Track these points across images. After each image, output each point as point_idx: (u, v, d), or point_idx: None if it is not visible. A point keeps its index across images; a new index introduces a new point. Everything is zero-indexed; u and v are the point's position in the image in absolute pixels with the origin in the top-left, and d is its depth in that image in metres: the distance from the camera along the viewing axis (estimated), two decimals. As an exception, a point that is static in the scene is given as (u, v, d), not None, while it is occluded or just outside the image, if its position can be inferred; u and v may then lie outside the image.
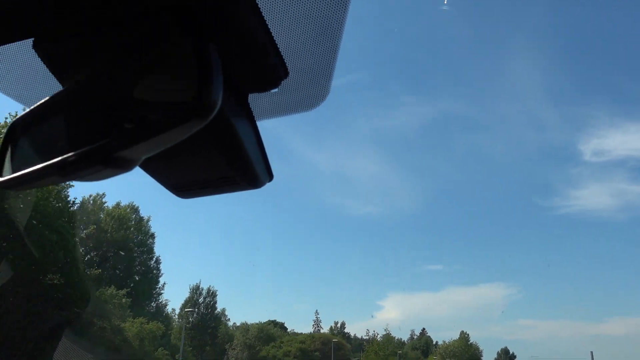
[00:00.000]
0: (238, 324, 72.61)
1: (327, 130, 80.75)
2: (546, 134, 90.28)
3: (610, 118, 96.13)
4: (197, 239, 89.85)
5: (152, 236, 54.93)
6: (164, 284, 62.62)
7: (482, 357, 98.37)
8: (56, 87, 0.90)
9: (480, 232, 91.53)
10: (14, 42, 0.87)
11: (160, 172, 1.02)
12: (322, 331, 70.58)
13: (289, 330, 74.93)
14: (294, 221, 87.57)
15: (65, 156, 0.73)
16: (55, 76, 0.91)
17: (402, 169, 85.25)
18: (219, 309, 65.42)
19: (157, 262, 54.43)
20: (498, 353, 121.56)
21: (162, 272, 55.86)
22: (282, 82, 0.95)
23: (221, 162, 0.95)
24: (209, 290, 64.87)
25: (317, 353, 60.59)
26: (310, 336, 65.95)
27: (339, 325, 78.18)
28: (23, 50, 0.88)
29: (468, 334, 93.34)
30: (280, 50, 0.89)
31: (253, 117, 0.98)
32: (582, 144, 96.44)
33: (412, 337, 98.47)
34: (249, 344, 63.01)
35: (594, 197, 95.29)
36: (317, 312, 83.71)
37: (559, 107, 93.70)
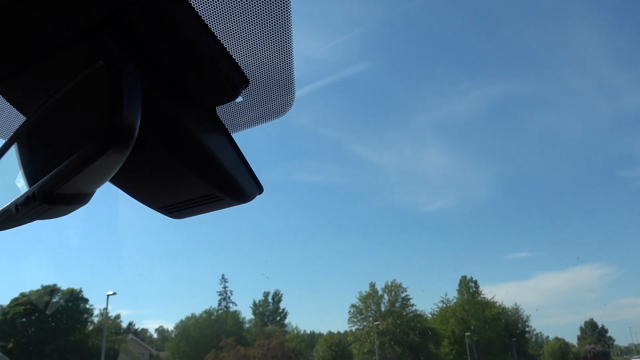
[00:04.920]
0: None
1: (387, 129, 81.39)
2: (621, 100, 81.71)
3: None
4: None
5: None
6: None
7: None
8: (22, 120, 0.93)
9: (562, 213, 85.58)
10: None
11: (144, 197, 1.01)
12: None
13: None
14: (367, 224, 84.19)
15: (15, 198, 0.73)
16: (18, 111, 0.94)
17: (470, 157, 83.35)
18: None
19: None
20: (581, 327, 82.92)
21: None
22: (246, 90, 0.95)
23: (199, 180, 0.92)
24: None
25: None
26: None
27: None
28: None
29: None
30: (235, 59, 0.89)
31: (227, 130, 0.97)
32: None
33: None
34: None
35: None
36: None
37: (631, 69, 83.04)
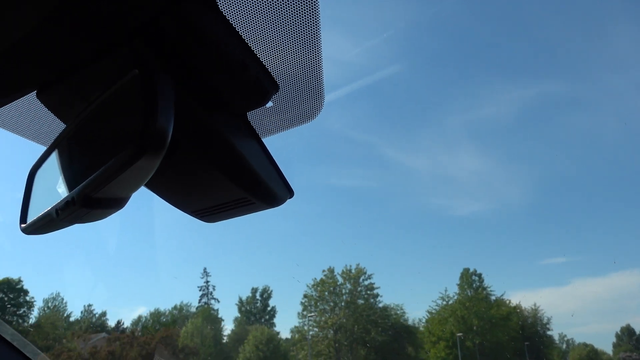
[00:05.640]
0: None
1: (420, 132, 78.70)
2: None
3: None
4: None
5: None
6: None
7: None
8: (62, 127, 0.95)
9: (602, 217, 78.64)
10: (21, 97, 0.94)
11: (178, 201, 1.04)
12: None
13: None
14: (397, 228, 79.64)
15: (56, 203, 0.76)
16: (59, 119, 0.96)
17: (504, 160, 78.78)
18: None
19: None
20: (617, 334, 72.02)
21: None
22: (276, 95, 0.97)
23: (231, 184, 0.94)
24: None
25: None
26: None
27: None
28: (34, 100, 0.94)
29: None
30: (265, 65, 0.91)
31: (257, 135, 0.99)
32: None
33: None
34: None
35: None
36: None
37: None
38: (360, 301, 45.95)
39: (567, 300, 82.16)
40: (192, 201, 1.03)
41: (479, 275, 51.53)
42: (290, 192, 1.02)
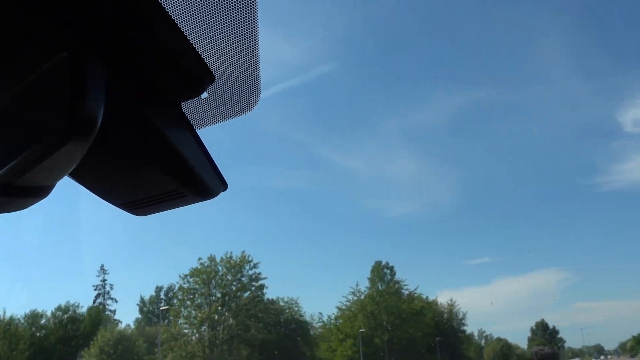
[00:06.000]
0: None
1: (356, 134, 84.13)
2: (581, 110, 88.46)
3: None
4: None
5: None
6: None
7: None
8: None
9: (523, 219, 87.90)
10: None
11: (106, 193, 0.99)
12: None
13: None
14: (333, 229, 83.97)
15: None
16: None
17: (436, 163, 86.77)
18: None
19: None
20: (532, 329, 73.01)
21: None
22: (212, 87, 0.94)
23: (162, 176, 0.91)
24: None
25: None
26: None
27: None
28: None
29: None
30: (202, 55, 0.87)
31: (192, 126, 0.98)
32: (621, 115, 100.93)
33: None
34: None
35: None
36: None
37: (592, 81, 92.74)
38: (246, 294, 41.27)
39: (488, 298, 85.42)
40: (120, 193, 0.98)
41: (391, 269, 49.19)
42: (224, 185, 1.00)
